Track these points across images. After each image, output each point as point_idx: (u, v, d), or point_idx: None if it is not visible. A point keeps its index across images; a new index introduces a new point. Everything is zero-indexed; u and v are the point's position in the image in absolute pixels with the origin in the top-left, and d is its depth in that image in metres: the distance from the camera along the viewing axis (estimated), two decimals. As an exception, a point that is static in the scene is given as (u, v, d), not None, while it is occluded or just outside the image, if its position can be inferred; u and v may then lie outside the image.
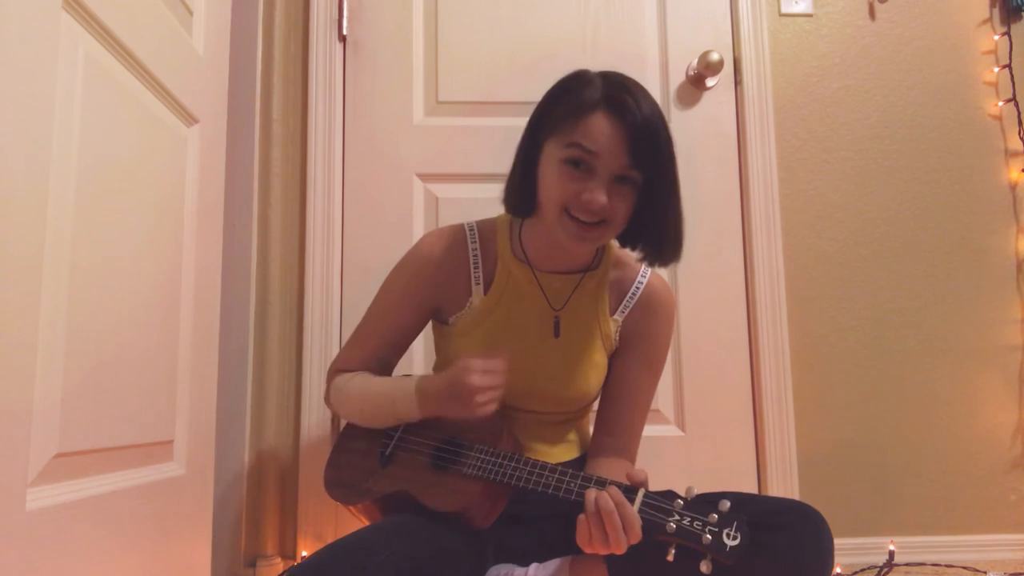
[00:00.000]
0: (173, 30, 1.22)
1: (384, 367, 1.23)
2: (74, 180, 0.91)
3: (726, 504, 0.86)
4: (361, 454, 1.15)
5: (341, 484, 1.14)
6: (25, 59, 0.82)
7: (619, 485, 0.92)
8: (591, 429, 1.26)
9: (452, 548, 1.02)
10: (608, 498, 0.88)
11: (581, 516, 0.90)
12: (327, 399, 1.26)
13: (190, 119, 1.28)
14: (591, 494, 0.90)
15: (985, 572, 1.56)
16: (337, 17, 1.72)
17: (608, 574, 1.01)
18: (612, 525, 0.87)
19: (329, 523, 1.56)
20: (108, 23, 0.99)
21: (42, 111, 0.85)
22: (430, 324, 1.27)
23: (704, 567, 0.83)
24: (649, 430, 1.59)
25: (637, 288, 1.20)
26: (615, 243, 1.17)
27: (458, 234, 1.20)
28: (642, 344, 1.20)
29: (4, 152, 0.78)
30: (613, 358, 1.21)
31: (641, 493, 0.90)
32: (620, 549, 0.87)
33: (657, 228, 1.08)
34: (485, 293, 1.17)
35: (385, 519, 1.06)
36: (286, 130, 1.70)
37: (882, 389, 1.71)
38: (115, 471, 1.03)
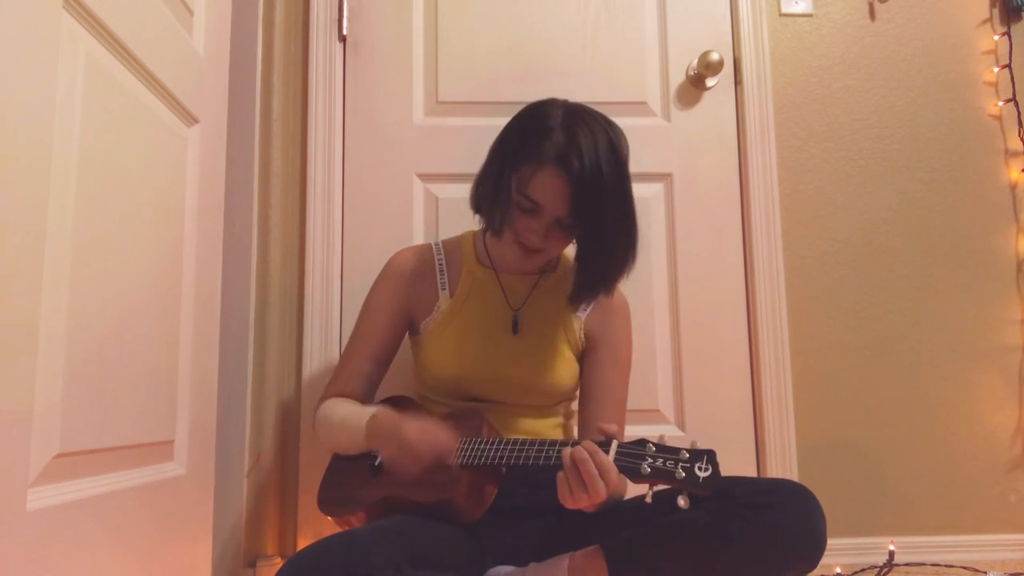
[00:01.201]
0: (173, 30, 1.22)
1: (369, 382, 1.30)
2: (74, 180, 0.91)
3: (695, 442, 0.91)
4: (353, 471, 1.18)
5: (334, 501, 1.19)
6: (25, 59, 0.82)
7: (593, 440, 0.95)
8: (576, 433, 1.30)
9: (448, 544, 1.04)
10: (582, 449, 0.92)
11: (560, 473, 0.93)
12: (314, 430, 1.31)
13: (190, 119, 1.28)
14: (567, 451, 0.94)
15: (985, 572, 1.56)
16: (337, 17, 1.72)
17: (607, 570, 1.01)
18: (588, 472, 0.90)
19: (329, 523, 1.54)
20: (108, 23, 0.99)
21: (42, 111, 0.85)
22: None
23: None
24: (649, 430, 1.61)
25: None
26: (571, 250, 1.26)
27: (424, 249, 1.35)
28: (606, 343, 1.29)
29: (4, 152, 0.78)
30: (583, 360, 1.29)
31: (615, 443, 0.94)
32: (599, 495, 0.90)
33: (589, 263, 1.19)
34: (451, 297, 1.27)
35: (380, 521, 1.08)
36: (286, 130, 1.70)
37: (882, 389, 1.71)
38: (116, 471, 1.03)
